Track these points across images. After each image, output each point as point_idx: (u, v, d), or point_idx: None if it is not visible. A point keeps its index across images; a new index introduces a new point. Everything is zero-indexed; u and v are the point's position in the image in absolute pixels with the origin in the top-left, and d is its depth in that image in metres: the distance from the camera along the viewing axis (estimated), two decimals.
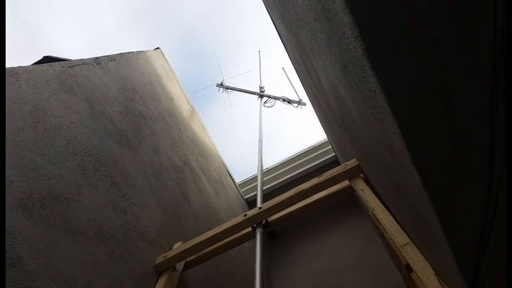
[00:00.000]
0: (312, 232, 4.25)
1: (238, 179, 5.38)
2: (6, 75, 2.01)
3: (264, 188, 4.61)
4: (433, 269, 1.47)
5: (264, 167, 5.03)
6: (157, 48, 4.66)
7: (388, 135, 1.11)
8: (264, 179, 4.85)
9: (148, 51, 4.31)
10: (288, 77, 5.72)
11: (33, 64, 2.62)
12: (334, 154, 4.85)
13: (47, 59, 2.72)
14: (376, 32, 0.90)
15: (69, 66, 2.58)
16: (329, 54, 1.42)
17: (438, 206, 1.03)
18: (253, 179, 5.33)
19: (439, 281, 1.39)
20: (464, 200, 1.00)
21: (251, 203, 5.15)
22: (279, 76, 6.15)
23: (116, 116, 2.85)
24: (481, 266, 0.97)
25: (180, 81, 4.89)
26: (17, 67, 2.12)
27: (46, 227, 1.78)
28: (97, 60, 2.99)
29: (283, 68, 5.87)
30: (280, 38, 3.64)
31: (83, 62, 2.77)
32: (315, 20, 1.35)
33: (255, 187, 5.15)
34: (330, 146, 4.89)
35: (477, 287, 1.02)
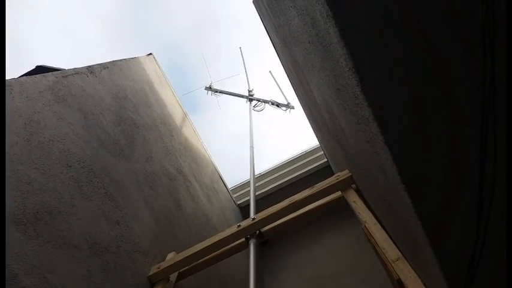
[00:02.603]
0: (304, 238, 4.28)
1: (230, 181, 5.39)
2: None
3: (257, 193, 4.63)
4: (424, 285, 1.50)
5: (256, 172, 5.05)
6: (150, 54, 4.65)
7: (381, 160, 1.14)
8: (257, 185, 4.86)
9: (141, 57, 4.31)
10: (275, 81, 5.76)
11: (25, 74, 2.62)
12: (326, 160, 4.88)
13: (40, 69, 2.71)
14: (371, 65, 0.93)
15: (63, 77, 2.57)
16: (323, 74, 1.44)
17: (429, 230, 1.06)
18: (245, 184, 5.34)
19: None
20: (455, 227, 1.03)
21: (243, 208, 5.16)
22: (266, 79, 6.19)
23: (109, 126, 2.84)
24: None
25: (172, 86, 4.89)
26: (10, 79, 2.11)
27: (40, 241, 1.78)
28: (90, 69, 2.99)
29: (270, 71, 5.92)
30: (272, 42, 3.65)
31: (76, 72, 2.77)
32: (309, 43, 1.37)
33: (247, 192, 5.16)
34: (322, 152, 4.93)
35: None
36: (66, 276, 1.82)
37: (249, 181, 5.16)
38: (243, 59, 6.10)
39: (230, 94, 5.99)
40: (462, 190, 1.01)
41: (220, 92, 5.95)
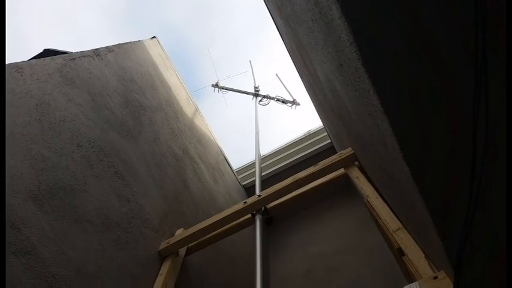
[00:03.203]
0: (308, 217, 4.38)
1: (235, 167, 5.47)
2: (11, 70, 2.06)
3: (262, 174, 4.71)
4: (423, 252, 1.58)
5: (261, 154, 5.13)
6: (154, 37, 4.68)
7: (381, 131, 1.19)
8: (262, 165, 4.94)
9: (145, 40, 4.34)
10: (282, 82, 5.85)
11: (34, 57, 2.68)
12: (330, 141, 4.94)
13: (47, 52, 2.76)
14: (371, 39, 0.98)
15: (70, 59, 2.63)
16: (326, 51, 1.49)
17: (427, 196, 1.12)
18: (250, 165, 5.42)
19: (429, 264, 1.50)
20: (451, 193, 1.09)
21: (248, 189, 5.25)
22: (272, 81, 6.28)
23: (116, 107, 2.91)
24: (464, 253, 1.06)
25: (177, 70, 4.93)
26: (21, 62, 2.17)
27: (56, 216, 1.86)
28: (96, 52, 3.04)
29: (276, 74, 6.03)
30: (276, 26, 3.68)
31: (83, 55, 2.82)
32: (312, 20, 1.42)
33: (252, 174, 5.24)
34: (326, 133, 4.98)
35: (461, 272, 1.11)
36: (81, 249, 1.91)
37: (253, 163, 5.25)
38: (252, 69, 6.17)
39: (237, 91, 6.08)
40: (457, 156, 1.07)
41: (226, 89, 6.05)
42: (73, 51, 2.86)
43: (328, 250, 3.95)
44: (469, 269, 1.16)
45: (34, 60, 2.30)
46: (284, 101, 5.95)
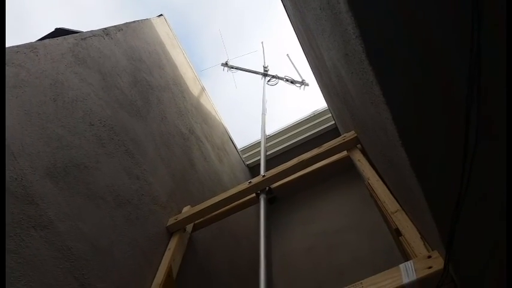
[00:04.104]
0: (311, 196, 4.48)
1: (238, 146, 5.55)
2: (26, 50, 2.12)
3: (267, 153, 4.79)
4: (419, 232, 1.66)
5: (266, 134, 5.19)
6: (161, 15, 4.69)
7: (382, 119, 1.26)
8: (267, 145, 5.01)
9: (153, 18, 4.36)
10: (292, 63, 5.84)
11: (46, 36, 2.73)
12: (334, 122, 4.99)
13: (59, 31, 2.81)
14: (376, 34, 1.04)
15: (82, 39, 2.68)
16: (332, 39, 1.54)
17: (423, 182, 1.20)
18: (255, 145, 5.50)
19: (424, 244, 1.59)
20: (446, 178, 1.16)
21: (252, 168, 5.34)
22: (282, 61, 6.28)
23: (125, 87, 2.97)
24: (455, 234, 1.15)
25: (183, 48, 4.96)
26: (36, 42, 2.23)
27: (71, 193, 1.96)
28: (106, 31, 3.08)
29: (287, 54, 6.01)
30: (284, 5, 3.68)
31: (93, 34, 2.87)
32: (321, 9, 1.47)
33: (256, 153, 5.33)
34: (330, 114, 5.03)
35: (452, 251, 1.20)
36: (94, 224, 2.01)
37: (257, 142, 5.33)
38: (263, 51, 6.16)
39: (246, 71, 6.11)
40: (453, 144, 1.14)
41: (236, 69, 6.07)
42: (83, 31, 2.91)
43: (329, 228, 4.06)
44: (459, 248, 1.25)
45: (47, 40, 2.35)
46: (293, 81, 5.98)
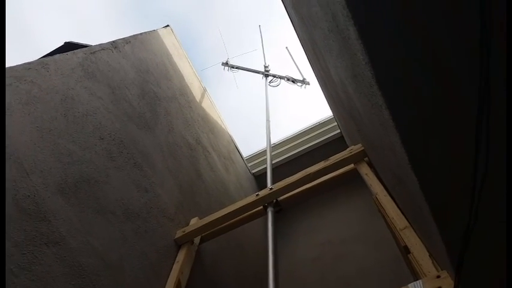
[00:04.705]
0: (317, 205, 4.48)
1: (244, 153, 5.56)
2: (38, 67, 2.16)
3: (272, 162, 4.80)
4: (428, 251, 1.67)
5: (272, 142, 5.20)
6: (167, 25, 4.73)
7: (391, 141, 1.27)
8: (272, 153, 5.02)
9: (159, 29, 4.40)
10: (291, 57, 5.84)
11: (56, 50, 2.77)
12: (340, 131, 5.00)
13: (68, 45, 2.85)
14: (387, 61, 1.05)
15: (91, 53, 2.72)
16: (340, 59, 1.56)
17: (433, 205, 1.21)
18: (260, 153, 5.51)
19: (433, 263, 1.59)
20: (457, 202, 1.17)
21: (258, 177, 5.35)
22: (282, 54, 6.25)
23: (134, 99, 3.00)
24: (464, 258, 1.16)
25: (189, 58, 5.00)
26: (47, 58, 2.27)
27: (81, 208, 1.98)
28: (114, 44, 3.12)
29: (286, 47, 5.99)
30: (288, 15, 3.68)
31: (102, 48, 2.91)
32: (329, 31, 1.48)
33: (262, 162, 5.34)
34: (336, 123, 5.04)
35: (462, 273, 1.21)
36: (104, 238, 2.03)
37: (263, 150, 5.33)
38: (261, 36, 6.16)
39: (246, 70, 6.09)
40: (460, 171, 1.15)
41: (236, 68, 6.05)
42: (91, 44, 2.95)
43: (336, 238, 4.06)
44: (469, 271, 1.26)
45: (58, 55, 2.39)
46: (294, 81, 5.95)
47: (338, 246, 3.92)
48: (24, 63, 2.05)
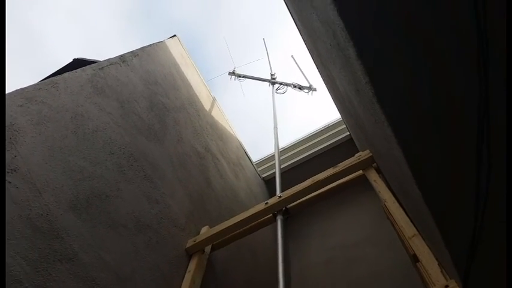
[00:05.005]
0: (328, 209, 4.47)
1: (254, 157, 5.58)
2: (48, 86, 2.21)
3: (281, 166, 4.81)
4: (437, 260, 1.67)
5: (280, 147, 5.21)
6: (174, 35, 4.78)
7: (395, 156, 1.29)
8: (281, 158, 5.03)
9: (166, 40, 4.45)
10: (297, 65, 5.87)
11: (65, 68, 2.83)
12: (348, 133, 4.99)
13: (77, 62, 2.90)
14: (386, 81, 1.07)
15: (99, 69, 2.76)
16: (343, 73, 1.57)
17: (438, 218, 1.22)
18: (270, 158, 5.51)
19: (441, 271, 1.59)
20: (462, 215, 1.18)
21: (268, 181, 5.36)
22: (288, 60, 6.27)
23: (143, 112, 3.05)
24: (471, 269, 1.16)
25: (197, 67, 5.04)
26: (57, 77, 2.32)
27: (93, 223, 2.02)
28: (122, 58, 3.17)
29: (292, 56, 6.01)
30: (294, 21, 3.68)
31: (110, 62, 2.96)
32: (331, 46, 1.50)
33: (271, 166, 5.35)
34: (344, 125, 5.03)
35: (469, 285, 1.22)
36: (117, 252, 2.07)
37: (271, 156, 5.35)
38: (266, 48, 6.20)
39: (253, 78, 6.13)
40: (463, 184, 1.16)
41: (243, 77, 6.09)
42: (100, 60, 3.00)
43: (347, 241, 4.05)
44: (476, 282, 1.26)
45: (67, 73, 2.44)
46: (301, 88, 5.98)
47: (350, 250, 3.92)
48: (35, 84, 2.11)
